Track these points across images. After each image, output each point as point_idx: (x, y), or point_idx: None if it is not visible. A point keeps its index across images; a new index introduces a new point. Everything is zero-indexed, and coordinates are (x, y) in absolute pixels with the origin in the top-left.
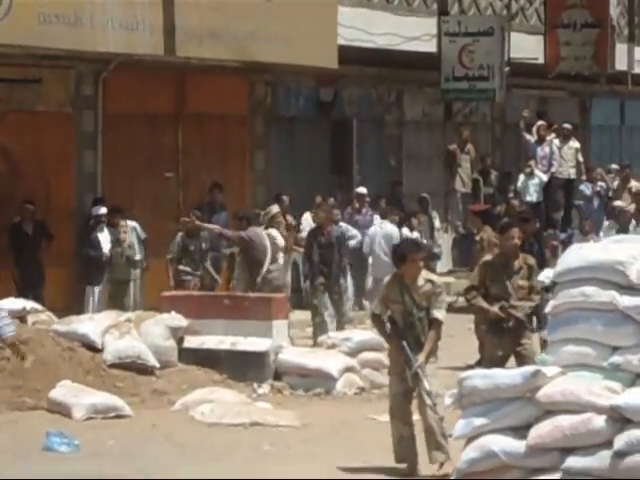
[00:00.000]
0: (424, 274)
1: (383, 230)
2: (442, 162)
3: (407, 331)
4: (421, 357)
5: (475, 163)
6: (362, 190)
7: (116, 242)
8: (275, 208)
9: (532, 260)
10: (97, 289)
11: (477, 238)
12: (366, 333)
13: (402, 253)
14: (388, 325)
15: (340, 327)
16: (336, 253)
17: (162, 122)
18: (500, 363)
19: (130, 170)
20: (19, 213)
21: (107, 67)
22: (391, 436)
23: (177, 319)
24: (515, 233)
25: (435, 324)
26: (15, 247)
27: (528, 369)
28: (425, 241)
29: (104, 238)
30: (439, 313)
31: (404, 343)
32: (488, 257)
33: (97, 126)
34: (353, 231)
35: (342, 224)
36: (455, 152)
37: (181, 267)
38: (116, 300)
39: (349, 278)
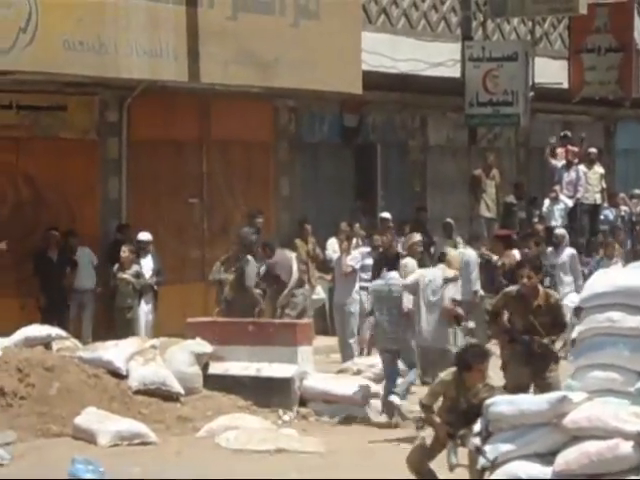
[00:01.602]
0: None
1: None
2: (467, 187)
3: (452, 422)
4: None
5: (501, 188)
6: (386, 215)
7: (120, 268)
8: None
9: (554, 298)
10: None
11: (499, 263)
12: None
13: (467, 362)
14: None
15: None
16: None
17: (186, 148)
18: (525, 389)
19: (154, 196)
20: (43, 240)
21: (131, 93)
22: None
23: (202, 345)
24: (524, 273)
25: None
26: (40, 274)
27: (554, 395)
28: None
29: (146, 264)
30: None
31: (451, 445)
32: (512, 289)
33: (122, 153)
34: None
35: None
36: (480, 177)
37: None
38: (121, 327)
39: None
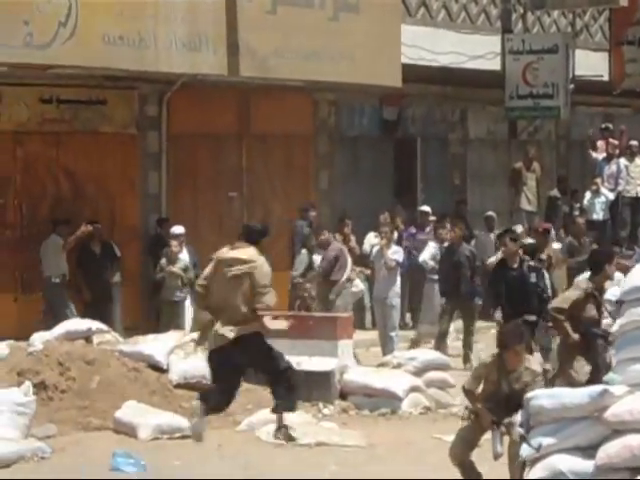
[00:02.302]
0: (526, 362)
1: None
2: (507, 180)
3: (494, 409)
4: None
5: (542, 181)
6: (426, 208)
7: (168, 262)
8: None
9: None
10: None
11: (543, 256)
12: (432, 352)
13: (504, 342)
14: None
15: (467, 345)
16: (466, 271)
17: (226, 142)
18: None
19: (194, 190)
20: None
21: (171, 87)
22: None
23: None
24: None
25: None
26: (83, 267)
27: (595, 388)
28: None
29: (182, 257)
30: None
31: (496, 432)
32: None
33: (161, 146)
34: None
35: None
36: (521, 170)
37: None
38: (166, 320)
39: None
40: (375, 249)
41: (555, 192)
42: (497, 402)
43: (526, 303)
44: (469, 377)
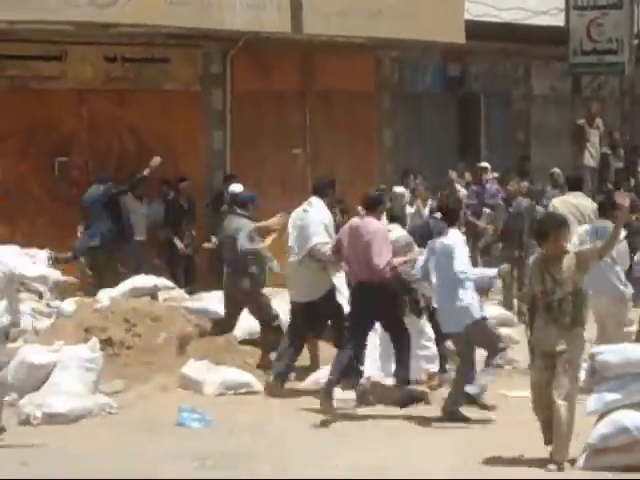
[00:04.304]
0: (569, 250)
1: None
2: (570, 137)
3: (545, 314)
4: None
5: (603, 137)
6: (484, 164)
7: None
8: None
9: None
10: None
11: None
12: (496, 308)
13: (544, 229)
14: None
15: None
16: (526, 222)
17: (289, 99)
18: None
19: (258, 148)
20: (173, 191)
21: (235, 45)
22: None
23: None
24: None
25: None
26: (173, 220)
27: None
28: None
29: None
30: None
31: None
32: None
33: (225, 104)
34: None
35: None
36: (584, 127)
37: None
38: None
39: None
40: (412, 207)
41: (605, 149)
42: (544, 307)
43: None
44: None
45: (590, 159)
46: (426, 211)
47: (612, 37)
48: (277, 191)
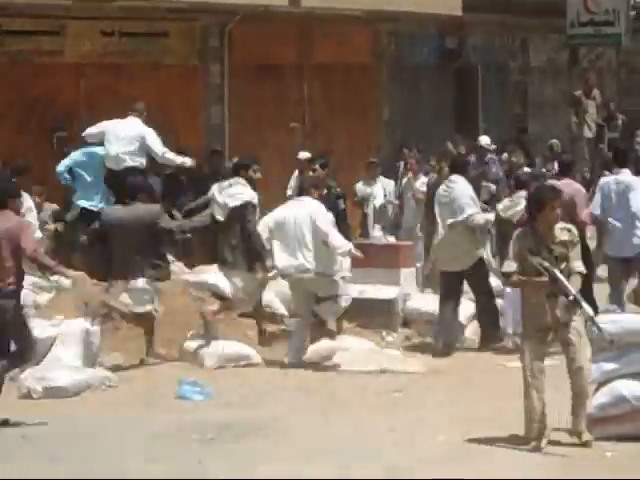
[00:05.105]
0: (560, 223)
1: None
2: (567, 108)
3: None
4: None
5: (600, 109)
6: (484, 142)
7: None
8: None
9: None
10: None
11: None
12: (495, 281)
13: (540, 199)
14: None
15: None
16: None
17: (287, 73)
18: None
19: (256, 121)
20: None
21: (233, 19)
22: (524, 411)
23: None
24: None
25: (575, 277)
26: (170, 196)
27: None
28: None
29: None
30: (580, 265)
31: (556, 271)
32: None
33: (223, 78)
34: None
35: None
36: (580, 98)
37: None
38: None
39: None
40: (404, 180)
41: (599, 121)
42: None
43: None
44: (506, 261)
45: (587, 130)
46: (418, 184)
47: (609, 8)
48: (275, 164)
